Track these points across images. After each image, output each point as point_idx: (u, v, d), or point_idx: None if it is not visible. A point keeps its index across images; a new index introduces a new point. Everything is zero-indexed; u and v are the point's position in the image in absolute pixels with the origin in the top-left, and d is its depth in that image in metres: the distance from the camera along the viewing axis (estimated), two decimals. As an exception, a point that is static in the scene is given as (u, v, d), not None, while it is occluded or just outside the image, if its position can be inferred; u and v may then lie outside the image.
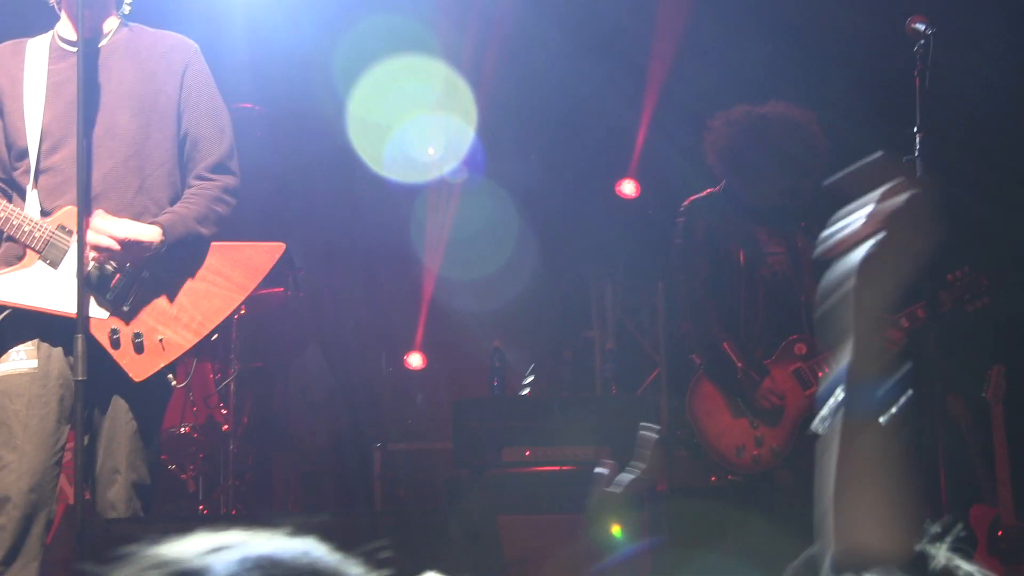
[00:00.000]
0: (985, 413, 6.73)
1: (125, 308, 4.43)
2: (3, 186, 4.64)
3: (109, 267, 4.37)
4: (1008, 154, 7.68)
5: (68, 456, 4.59)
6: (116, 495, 4.46)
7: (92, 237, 4.30)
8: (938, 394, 5.18)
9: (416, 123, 9.60)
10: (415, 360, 9.57)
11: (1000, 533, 6.61)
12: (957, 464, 6.43)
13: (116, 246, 4.31)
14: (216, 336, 4.69)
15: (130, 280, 4.43)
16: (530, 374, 9.06)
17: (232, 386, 7.79)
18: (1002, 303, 5.87)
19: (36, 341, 4.40)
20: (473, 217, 9.61)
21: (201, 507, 7.51)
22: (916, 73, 4.89)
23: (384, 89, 9.30)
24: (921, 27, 4.85)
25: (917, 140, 4.86)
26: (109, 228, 4.33)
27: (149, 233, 4.40)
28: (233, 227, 4.78)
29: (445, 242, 9.74)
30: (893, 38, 5.18)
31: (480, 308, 9.59)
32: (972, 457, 6.64)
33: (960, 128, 5.99)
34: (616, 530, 5.91)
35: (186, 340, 4.57)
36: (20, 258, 4.47)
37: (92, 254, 4.34)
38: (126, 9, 4.75)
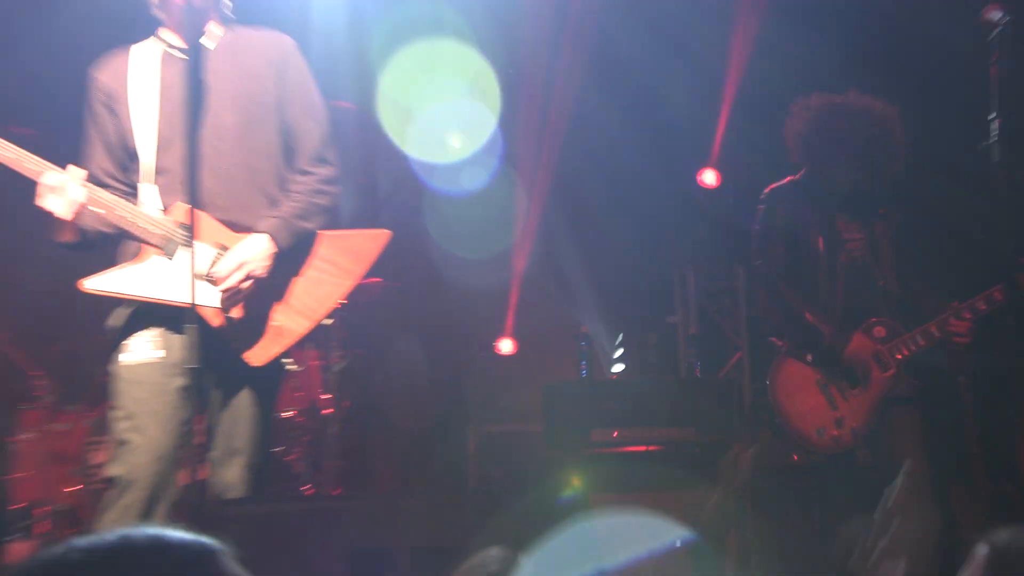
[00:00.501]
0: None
1: (237, 273, 4.54)
2: (117, 184, 4.74)
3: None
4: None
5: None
6: (233, 476, 4.65)
7: (233, 275, 4.51)
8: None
9: (442, 108, 9.56)
10: (506, 346, 9.60)
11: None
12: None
13: (244, 282, 4.52)
14: (332, 321, 4.85)
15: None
16: (619, 346, 9.17)
17: (330, 371, 7.92)
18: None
19: (161, 330, 4.56)
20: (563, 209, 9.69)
21: (306, 488, 7.64)
22: (993, 61, 4.95)
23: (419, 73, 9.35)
24: (997, 15, 4.96)
25: (995, 126, 4.94)
26: (230, 268, 4.52)
27: (262, 251, 4.57)
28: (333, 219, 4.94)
29: (533, 233, 9.78)
30: (967, 28, 5.26)
31: (566, 295, 9.72)
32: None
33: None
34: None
35: (300, 326, 4.74)
36: (136, 254, 4.61)
37: (236, 283, 4.53)
38: (227, 11, 4.85)
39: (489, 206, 9.53)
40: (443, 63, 9.21)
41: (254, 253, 4.55)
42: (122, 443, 4.58)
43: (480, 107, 9.33)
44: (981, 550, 2.25)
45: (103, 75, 4.80)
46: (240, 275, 4.51)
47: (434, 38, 9.09)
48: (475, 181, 9.34)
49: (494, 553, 2.29)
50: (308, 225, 4.75)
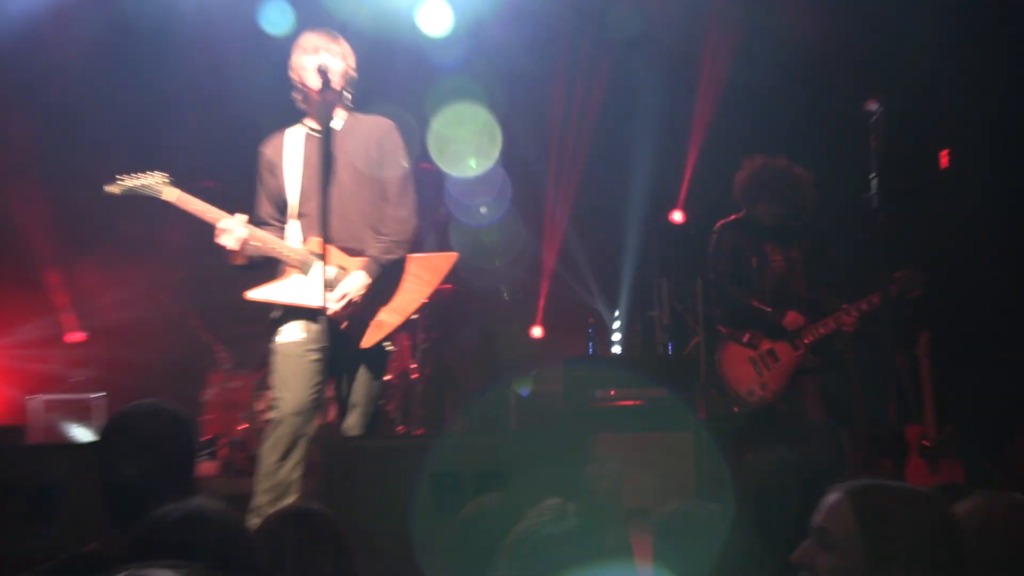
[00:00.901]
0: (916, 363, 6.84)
1: (344, 300, 4.65)
2: (275, 223, 4.87)
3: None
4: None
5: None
6: (353, 421, 4.76)
7: (343, 301, 4.62)
8: (896, 351, 5.38)
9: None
10: (536, 331, 9.56)
11: (926, 443, 6.70)
12: (904, 397, 6.57)
13: (347, 307, 4.63)
14: (417, 315, 4.91)
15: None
16: (616, 331, 9.22)
17: (416, 349, 7.97)
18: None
19: (303, 321, 4.65)
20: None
21: (400, 428, 7.67)
22: (872, 138, 5.06)
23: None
24: (874, 107, 5.04)
25: (874, 183, 5.05)
26: (347, 291, 4.64)
27: (359, 284, 4.67)
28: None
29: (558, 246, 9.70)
30: (856, 115, 5.29)
31: (578, 295, 9.70)
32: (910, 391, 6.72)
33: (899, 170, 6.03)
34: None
35: (394, 320, 4.81)
36: (283, 272, 4.75)
37: (345, 305, 4.63)
38: (348, 102, 4.91)
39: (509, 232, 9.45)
40: (467, 127, 9.05)
41: (354, 286, 4.66)
42: (276, 397, 4.69)
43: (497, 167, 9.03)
44: (833, 496, 2.08)
45: (267, 150, 4.92)
46: (344, 302, 4.63)
47: (458, 102, 8.95)
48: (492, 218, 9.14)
49: (551, 504, 2.25)
50: (392, 257, 4.81)
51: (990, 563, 2.13)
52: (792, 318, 5.85)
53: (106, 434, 2.51)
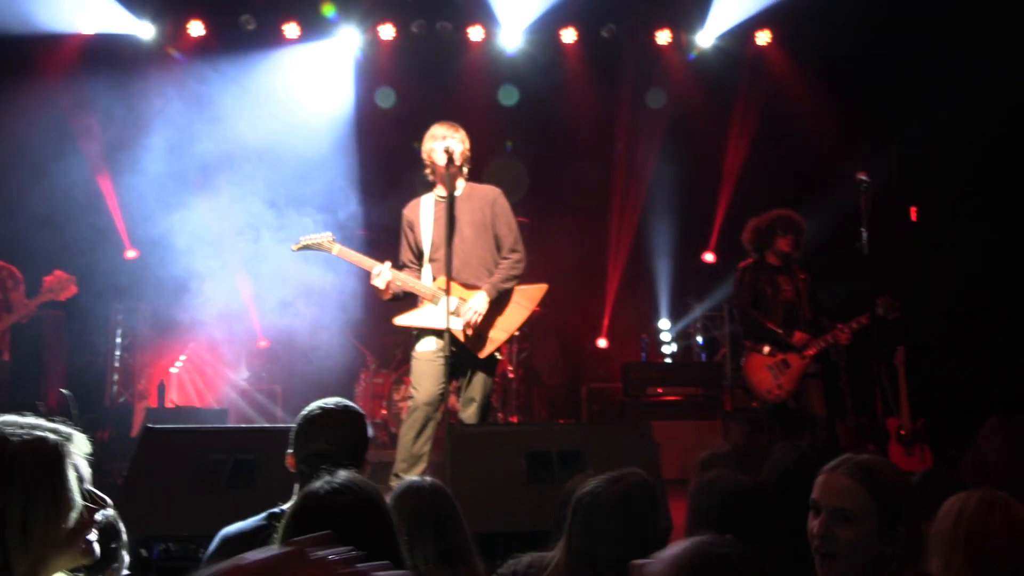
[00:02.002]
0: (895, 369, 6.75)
1: (472, 313, 4.68)
2: (413, 266, 4.92)
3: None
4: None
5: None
6: (471, 413, 4.76)
7: (470, 314, 4.65)
8: (879, 360, 5.30)
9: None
10: (602, 342, 9.47)
11: (901, 432, 6.58)
12: (885, 397, 6.46)
13: (473, 319, 4.65)
14: (519, 332, 4.92)
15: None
16: (668, 343, 9.06)
17: (514, 356, 8.02)
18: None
19: (434, 337, 4.70)
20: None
21: (500, 415, 7.65)
22: (862, 200, 5.00)
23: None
24: (863, 177, 4.99)
25: (864, 235, 4.99)
26: (474, 307, 4.66)
27: (484, 302, 4.69)
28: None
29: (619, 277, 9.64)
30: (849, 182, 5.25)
31: (633, 314, 9.64)
32: (890, 391, 6.63)
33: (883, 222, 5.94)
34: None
35: (503, 335, 4.83)
36: (417, 305, 4.82)
37: (472, 319, 4.66)
38: (465, 174, 4.94)
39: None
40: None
41: (478, 305, 4.69)
42: (412, 390, 4.74)
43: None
44: (846, 481, 2.01)
45: (408, 212, 4.99)
46: (472, 316, 4.65)
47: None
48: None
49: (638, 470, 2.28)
50: (506, 286, 4.82)
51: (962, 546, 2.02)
52: (799, 336, 5.78)
53: (306, 420, 2.58)
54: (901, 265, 7.16)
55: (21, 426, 1.58)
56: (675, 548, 1.36)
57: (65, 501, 1.54)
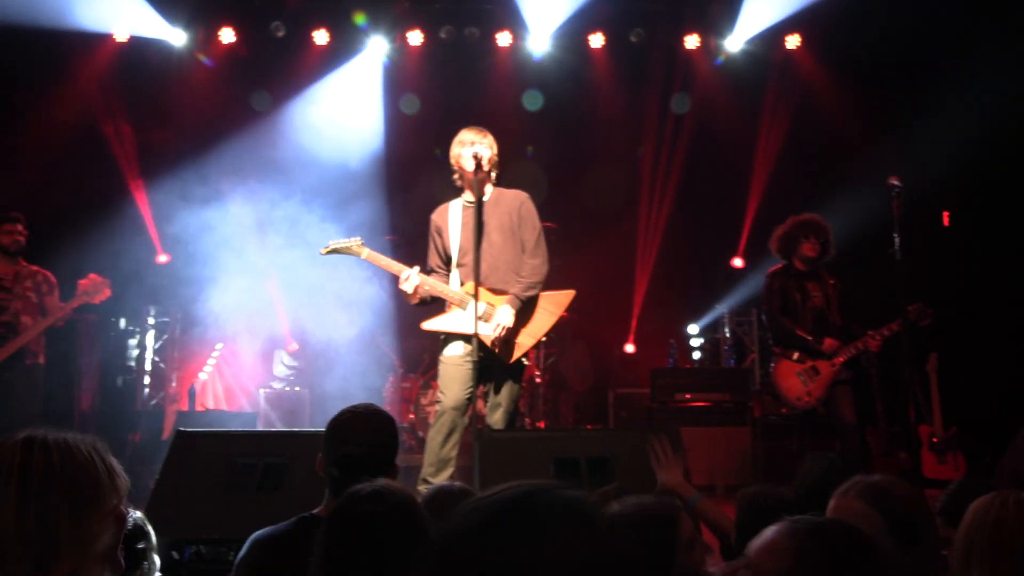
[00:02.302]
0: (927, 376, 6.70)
1: (499, 328, 4.68)
2: (441, 271, 4.92)
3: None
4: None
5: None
6: (498, 418, 4.74)
7: (497, 330, 4.65)
8: (911, 367, 5.23)
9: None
10: (629, 347, 9.41)
11: (934, 440, 6.51)
12: (918, 404, 6.38)
13: (499, 330, 4.65)
14: (546, 338, 4.91)
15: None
16: (696, 350, 9.01)
17: (541, 360, 7.99)
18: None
19: (462, 341, 4.71)
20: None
21: (527, 420, 7.62)
22: (894, 205, 4.94)
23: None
24: (895, 182, 4.94)
25: (896, 240, 4.92)
26: (500, 322, 4.67)
27: (510, 315, 4.69)
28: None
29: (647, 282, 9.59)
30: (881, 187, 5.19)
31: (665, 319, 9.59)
32: (922, 398, 6.56)
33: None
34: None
35: (530, 341, 4.82)
36: (445, 310, 4.83)
37: (498, 333, 4.66)
38: (493, 180, 4.94)
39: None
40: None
41: (504, 318, 4.68)
42: (440, 395, 4.74)
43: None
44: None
45: (436, 217, 4.98)
46: (499, 329, 4.65)
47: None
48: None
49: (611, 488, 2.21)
50: (529, 294, 4.79)
51: (1008, 554, 1.89)
52: (829, 343, 5.73)
53: (337, 425, 2.60)
54: (934, 270, 7.13)
55: (65, 439, 1.55)
56: (767, 535, 1.37)
57: (109, 516, 1.53)
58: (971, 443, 6.58)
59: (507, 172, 5.16)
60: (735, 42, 8.95)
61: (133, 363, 8.92)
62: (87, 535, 1.50)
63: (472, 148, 4.77)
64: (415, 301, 4.80)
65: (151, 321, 9.06)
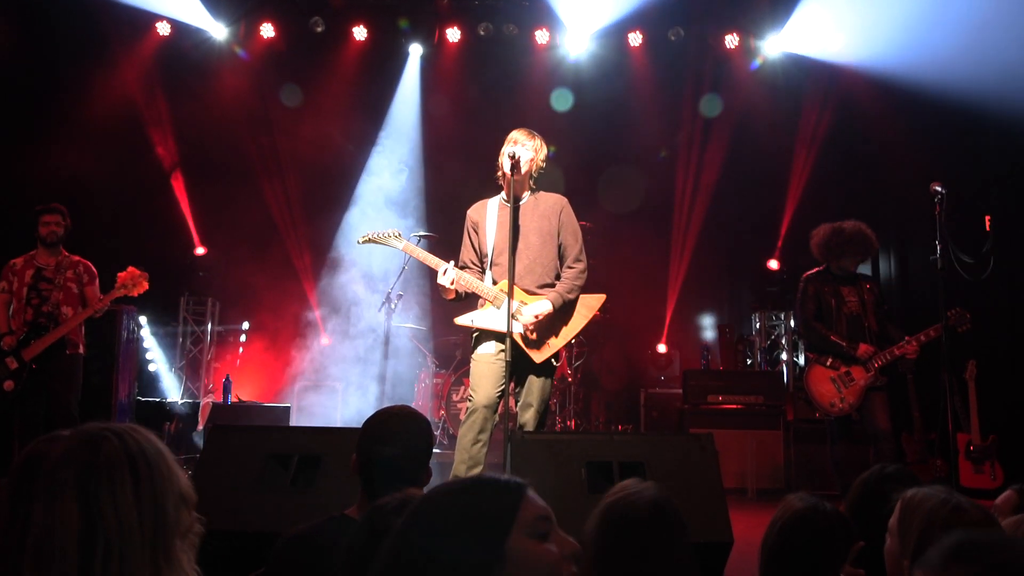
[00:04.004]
0: (965, 384, 6.60)
1: (532, 327, 4.65)
2: (474, 267, 4.86)
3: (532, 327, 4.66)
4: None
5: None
6: (529, 417, 4.68)
7: (531, 319, 4.62)
8: (949, 373, 5.15)
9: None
10: (661, 348, 9.35)
11: (971, 448, 6.40)
12: (955, 412, 6.28)
13: (533, 324, 4.63)
14: (578, 338, 4.89)
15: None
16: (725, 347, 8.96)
17: (573, 359, 8.00)
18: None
19: (494, 340, 4.66)
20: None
21: (558, 419, 7.61)
22: (937, 211, 4.91)
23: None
24: (938, 187, 4.87)
25: (938, 247, 4.89)
26: (533, 313, 4.62)
27: (547, 309, 4.64)
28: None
29: (680, 281, 9.52)
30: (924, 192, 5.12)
31: (698, 320, 9.55)
32: (960, 406, 6.46)
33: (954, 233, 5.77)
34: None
35: (560, 342, 4.74)
36: (481, 305, 4.77)
37: (533, 324, 4.62)
38: (532, 185, 4.88)
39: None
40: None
41: (541, 310, 4.64)
42: (472, 392, 4.71)
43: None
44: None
45: (473, 213, 4.95)
46: (533, 321, 4.62)
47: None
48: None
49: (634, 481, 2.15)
50: (571, 296, 4.76)
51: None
52: (864, 349, 5.64)
53: (373, 425, 2.59)
54: (975, 277, 7.00)
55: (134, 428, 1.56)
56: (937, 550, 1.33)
57: (190, 502, 1.56)
58: (1009, 452, 6.47)
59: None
60: (776, 45, 8.89)
61: (171, 354, 9.03)
62: (185, 520, 1.53)
63: (514, 148, 4.74)
64: (451, 296, 4.78)
65: (188, 314, 9.16)
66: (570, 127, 8.88)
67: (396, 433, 2.52)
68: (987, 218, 7.88)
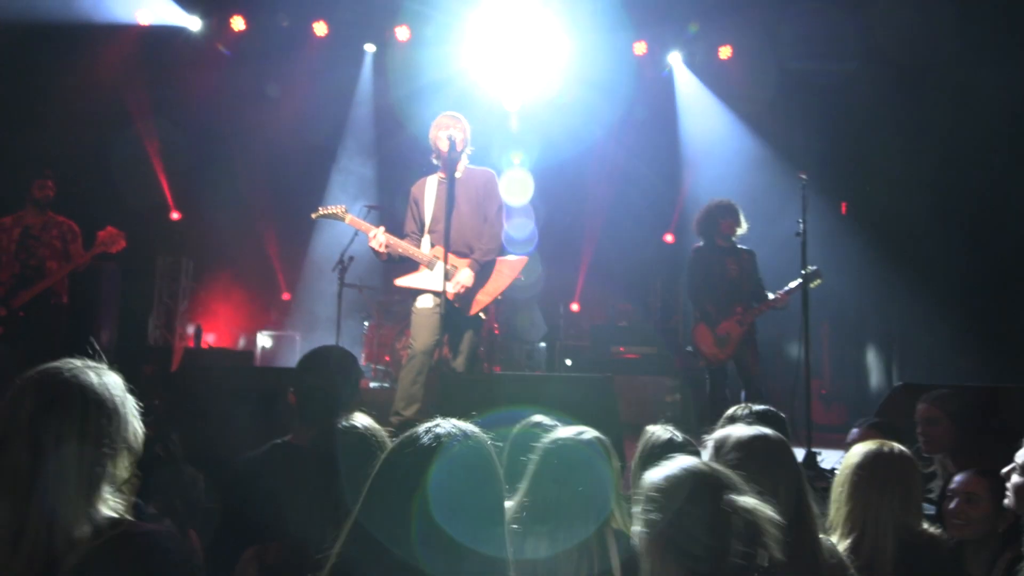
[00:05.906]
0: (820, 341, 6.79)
1: (458, 286, 4.66)
2: (415, 236, 4.85)
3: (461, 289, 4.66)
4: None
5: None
6: (459, 362, 4.74)
7: (456, 287, 4.62)
8: (807, 332, 5.29)
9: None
10: (574, 307, 9.35)
11: (823, 391, 6.64)
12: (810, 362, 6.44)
13: (459, 288, 4.63)
14: (500, 297, 4.89)
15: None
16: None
17: (498, 316, 7.99)
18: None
19: (431, 295, 4.67)
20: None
21: (485, 364, 7.42)
22: (802, 195, 5.04)
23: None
24: (803, 176, 4.99)
25: (800, 223, 5.04)
26: (460, 281, 4.64)
27: (469, 276, 4.67)
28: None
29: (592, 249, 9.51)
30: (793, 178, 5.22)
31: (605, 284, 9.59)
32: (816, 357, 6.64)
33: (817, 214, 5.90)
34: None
35: (487, 298, 4.79)
36: (417, 268, 4.78)
37: (458, 290, 4.63)
38: (466, 160, 4.89)
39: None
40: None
41: (464, 278, 4.67)
42: (411, 340, 4.73)
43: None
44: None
45: (415, 189, 4.94)
46: (459, 287, 4.64)
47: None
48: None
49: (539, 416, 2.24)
50: (488, 259, 4.80)
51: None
52: (739, 311, 5.75)
53: (303, 360, 2.59)
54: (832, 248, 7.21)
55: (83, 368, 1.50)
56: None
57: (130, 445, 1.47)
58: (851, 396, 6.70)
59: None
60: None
61: (148, 305, 8.78)
62: (123, 466, 1.45)
63: (447, 131, 4.73)
64: (383, 259, 4.80)
65: (164, 270, 8.91)
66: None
67: (322, 366, 2.52)
68: (843, 204, 8.13)
